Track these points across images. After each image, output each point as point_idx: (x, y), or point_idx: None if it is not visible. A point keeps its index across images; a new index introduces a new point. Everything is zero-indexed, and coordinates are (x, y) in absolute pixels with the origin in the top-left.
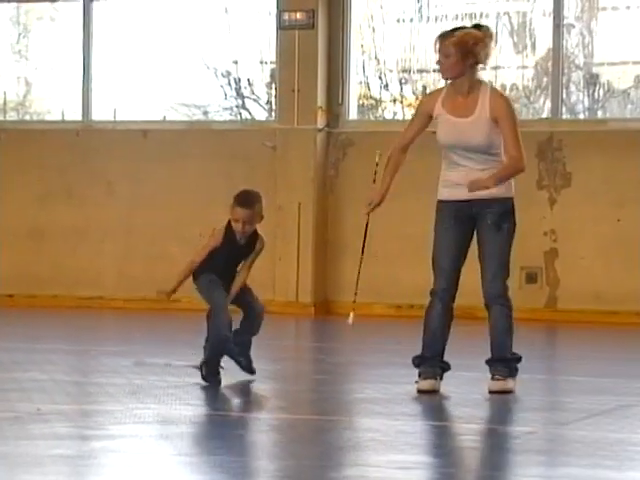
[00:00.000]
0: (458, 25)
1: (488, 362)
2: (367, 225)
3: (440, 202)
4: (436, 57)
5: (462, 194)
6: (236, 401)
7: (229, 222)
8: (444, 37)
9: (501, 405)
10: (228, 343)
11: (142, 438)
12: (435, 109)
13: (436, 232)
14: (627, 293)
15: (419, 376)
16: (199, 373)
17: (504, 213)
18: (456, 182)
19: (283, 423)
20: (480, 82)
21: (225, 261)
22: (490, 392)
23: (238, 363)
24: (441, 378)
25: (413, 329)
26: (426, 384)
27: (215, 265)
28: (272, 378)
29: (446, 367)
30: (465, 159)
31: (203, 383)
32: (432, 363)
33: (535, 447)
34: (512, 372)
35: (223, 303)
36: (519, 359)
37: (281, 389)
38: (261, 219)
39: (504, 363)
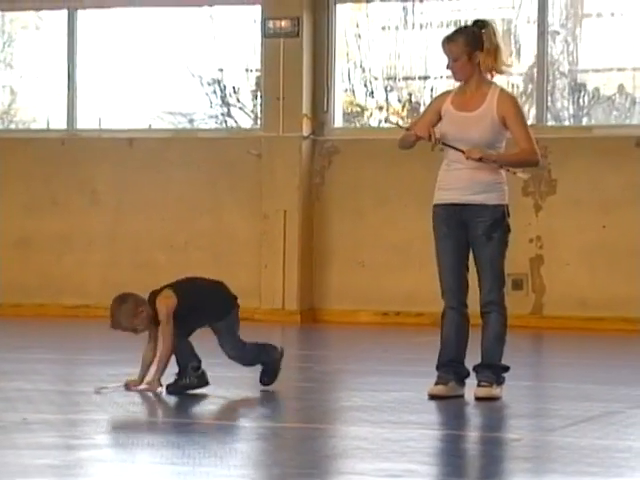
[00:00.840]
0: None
1: (476, 368)
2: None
3: (434, 206)
4: (447, 61)
5: (453, 197)
6: (222, 410)
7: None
8: (450, 40)
9: (487, 412)
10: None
11: (126, 447)
12: (444, 106)
13: (435, 241)
14: (612, 299)
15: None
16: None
17: (494, 222)
18: (448, 184)
19: (269, 431)
20: (490, 82)
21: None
22: (476, 398)
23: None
24: (460, 383)
25: (399, 336)
26: (434, 389)
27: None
28: (258, 386)
29: (462, 372)
30: (461, 155)
31: (189, 392)
32: (446, 369)
33: (521, 454)
34: (499, 379)
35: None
36: (507, 368)
37: (267, 397)
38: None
39: (492, 370)
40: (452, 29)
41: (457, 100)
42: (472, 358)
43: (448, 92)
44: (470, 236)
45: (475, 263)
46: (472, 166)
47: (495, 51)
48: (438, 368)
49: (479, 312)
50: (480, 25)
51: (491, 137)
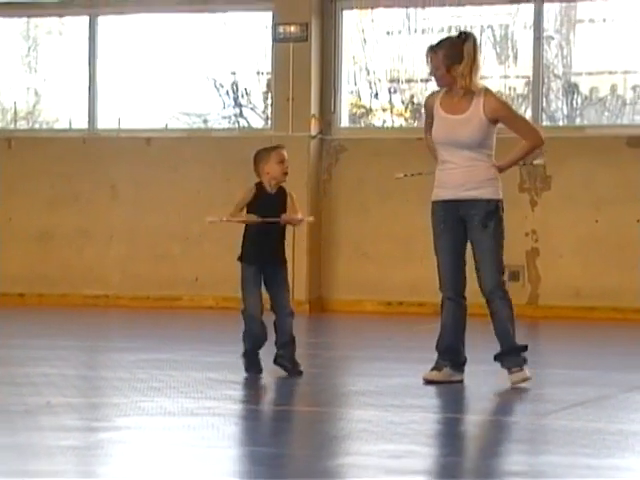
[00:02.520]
0: (444, 37)
1: (498, 356)
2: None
3: (432, 203)
4: (428, 69)
5: (448, 194)
6: (235, 394)
7: (256, 184)
8: (432, 50)
9: (485, 397)
10: (261, 341)
11: (146, 429)
12: (435, 107)
13: (433, 237)
14: (604, 290)
15: None
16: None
17: (488, 213)
18: (444, 182)
19: (280, 414)
20: (475, 85)
21: (262, 219)
22: (513, 385)
23: (284, 368)
24: (456, 369)
25: (402, 325)
26: (429, 375)
27: (255, 238)
28: (269, 371)
29: (458, 359)
30: (453, 156)
31: (204, 378)
32: (442, 356)
33: (518, 436)
34: (524, 360)
35: (255, 312)
36: (525, 347)
37: (278, 382)
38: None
39: (515, 353)
40: (453, 33)
41: (445, 102)
42: (471, 347)
43: (436, 93)
44: (468, 228)
45: (474, 255)
46: (464, 165)
47: (470, 65)
48: (437, 355)
49: (484, 302)
50: (463, 38)
51: (479, 137)
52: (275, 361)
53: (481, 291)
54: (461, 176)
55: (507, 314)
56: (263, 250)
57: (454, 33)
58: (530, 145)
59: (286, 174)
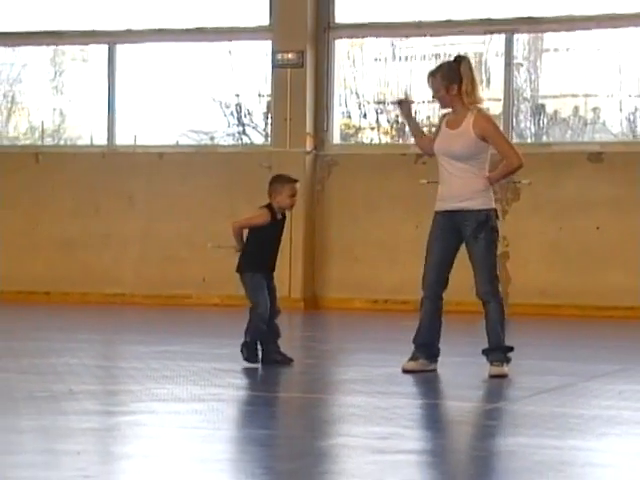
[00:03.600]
0: (436, 63)
1: (485, 351)
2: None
3: (434, 213)
4: (431, 92)
5: (446, 205)
6: (237, 382)
7: (267, 205)
8: (431, 75)
9: (461, 385)
10: (264, 334)
11: (158, 414)
12: (442, 124)
13: (428, 239)
14: (567, 289)
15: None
16: (240, 354)
17: (479, 225)
18: (442, 195)
19: (277, 400)
20: (474, 106)
21: (271, 241)
22: (490, 376)
23: (275, 361)
24: (432, 360)
25: (388, 321)
26: (406, 365)
27: (265, 254)
28: (268, 362)
29: (432, 352)
30: (449, 167)
31: (210, 367)
32: (419, 349)
33: (490, 420)
34: (507, 358)
35: (265, 313)
36: (512, 348)
37: (275, 371)
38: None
39: (500, 351)
40: (432, 61)
41: (449, 119)
42: (449, 342)
43: (448, 113)
44: (463, 237)
45: (469, 260)
46: (459, 176)
47: (471, 83)
48: (414, 347)
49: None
50: (458, 60)
51: (470, 151)
52: (269, 356)
53: (477, 293)
54: (456, 188)
55: (497, 317)
56: (270, 259)
57: (449, 58)
58: (509, 166)
59: (293, 206)
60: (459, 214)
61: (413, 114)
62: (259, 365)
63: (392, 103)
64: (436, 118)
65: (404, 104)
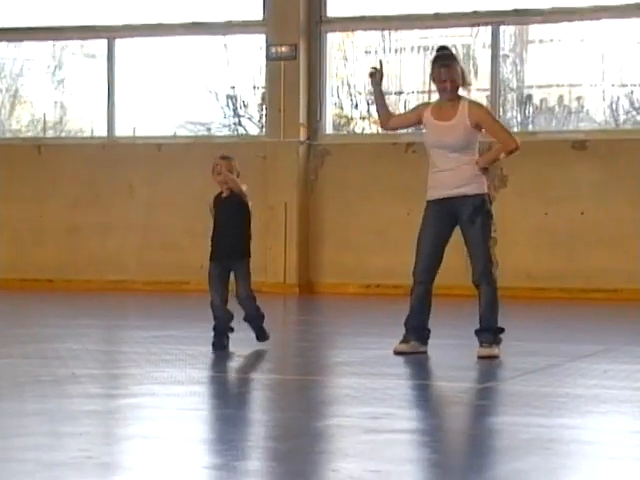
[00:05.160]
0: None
1: (476, 332)
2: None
3: (427, 202)
4: (435, 81)
5: (441, 193)
6: (234, 364)
7: (216, 194)
8: (447, 65)
9: (451, 366)
10: (219, 323)
11: (158, 396)
12: (424, 115)
13: (421, 226)
14: (553, 273)
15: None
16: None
17: (475, 209)
18: (435, 184)
19: (273, 382)
20: (460, 95)
21: (218, 222)
22: (479, 357)
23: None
24: (422, 342)
25: (380, 305)
26: (398, 347)
27: (215, 239)
28: (264, 345)
29: (423, 334)
30: (442, 158)
31: (207, 351)
32: (410, 332)
33: (479, 399)
34: (496, 339)
35: (218, 303)
36: (502, 330)
37: (272, 354)
38: (238, 175)
39: (490, 332)
40: (421, 53)
41: (435, 111)
42: (439, 325)
43: (428, 104)
44: (459, 222)
45: (465, 244)
46: (452, 167)
47: (462, 71)
48: (405, 330)
49: (473, 284)
50: (450, 49)
51: (464, 141)
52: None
53: (472, 276)
54: (450, 177)
55: (490, 298)
56: (220, 245)
57: (421, 55)
58: (505, 148)
59: (224, 183)
60: (455, 200)
61: (383, 86)
62: (222, 351)
63: (368, 74)
64: None
65: (377, 73)
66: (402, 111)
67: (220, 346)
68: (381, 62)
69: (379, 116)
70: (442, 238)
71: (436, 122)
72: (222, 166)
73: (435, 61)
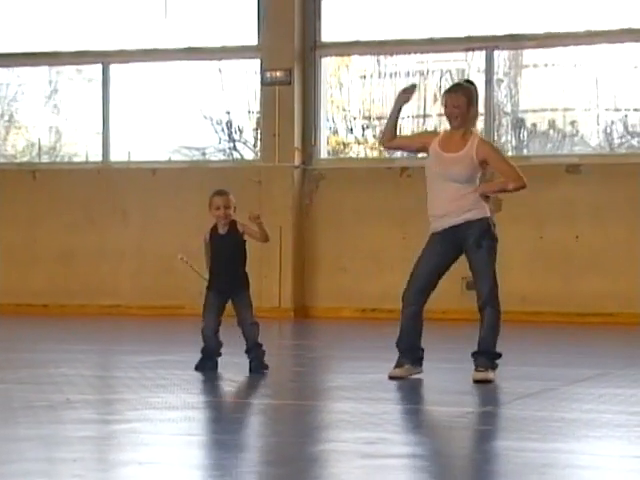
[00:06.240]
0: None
1: (473, 354)
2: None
3: (431, 234)
4: (443, 108)
5: (446, 223)
6: (229, 389)
7: (211, 228)
8: (455, 93)
9: (445, 390)
10: (207, 350)
11: (153, 421)
12: (431, 145)
13: (421, 254)
14: (548, 297)
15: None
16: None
17: (482, 232)
18: (437, 214)
19: (268, 407)
20: (472, 131)
21: (217, 257)
22: (474, 381)
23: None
24: (417, 364)
25: (375, 329)
26: (393, 372)
27: (214, 271)
28: (256, 369)
29: (417, 356)
30: (443, 187)
31: (202, 376)
32: (404, 355)
33: (474, 424)
34: (493, 365)
35: (210, 331)
36: (499, 355)
37: (267, 379)
38: (234, 209)
39: (486, 356)
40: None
41: (443, 142)
42: (435, 348)
43: (436, 133)
44: (464, 247)
45: (470, 269)
46: (453, 197)
47: (477, 108)
48: (397, 349)
49: (477, 308)
50: (472, 84)
51: (468, 174)
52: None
53: (477, 300)
54: (453, 206)
55: (493, 322)
56: (220, 278)
57: (462, 80)
58: (511, 184)
59: (226, 217)
60: (460, 227)
61: (403, 106)
62: (203, 372)
63: (404, 90)
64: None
65: (408, 90)
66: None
67: (202, 368)
68: (414, 86)
69: (385, 132)
70: (440, 270)
71: (443, 153)
72: (228, 208)
73: (447, 89)
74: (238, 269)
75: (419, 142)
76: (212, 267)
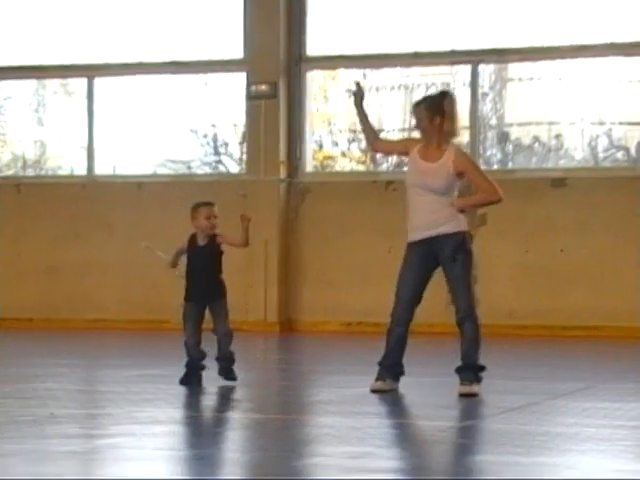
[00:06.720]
0: (399, 98)
1: (457, 369)
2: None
3: (407, 244)
4: (412, 121)
5: (422, 234)
6: (214, 404)
7: (190, 236)
8: (416, 105)
9: (430, 405)
10: (191, 361)
11: (137, 436)
12: (412, 151)
13: (401, 267)
14: (534, 310)
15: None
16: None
17: (457, 246)
18: (414, 225)
19: (253, 422)
20: (448, 141)
21: (194, 267)
22: (460, 395)
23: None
24: (396, 380)
25: (361, 342)
26: (375, 385)
27: (191, 281)
28: (244, 384)
29: (398, 372)
30: (420, 198)
31: (186, 390)
32: (386, 369)
33: (458, 438)
34: (477, 378)
35: (192, 343)
36: (483, 368)
37: (252, 393)
38: (216, 219)
39: (471, 370)
40: (401, 91)
41: (422, 151)
42: (420, 363)
43: (417, 140)
44: (440, 260)
45: (447, 282)
46: (430, 208)
47: (451, 118)
48: (380, 366)
49: (456, 322)
50: (443, 94)
51: (444, 185)
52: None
53: (455, 314)
54: (430, 218)
55: (472, 335)
56: (198, 288)
57: (402, 94)
58: (487, 198)
59: (214, 227)
60: (436, 239)
61: (364, 105)
62: (188, 386)
63: (354, 93)
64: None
65: (357, 94)
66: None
67: (187, 382)
68: (358, 83)
69: (366, 137)
70: (422, 281)
71: (421, 161)
72: (216, 217)
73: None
74: (214, 278)
75: (403, 146)
76: (188, 277)
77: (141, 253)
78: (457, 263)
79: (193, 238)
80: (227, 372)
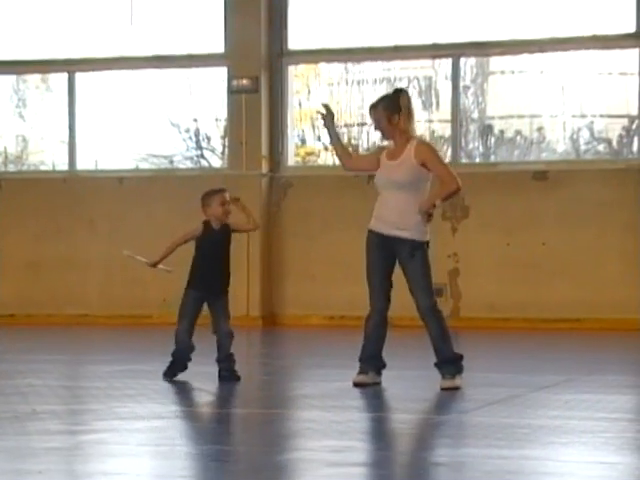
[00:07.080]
0: (381, 92)
1: (436, 365)
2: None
3: (369, 231)
4: (373, 124)
5: (383, 229)
6: (197, 399)
7: (204, 222)
8: (373, 107)
9: (413, 398)
10: (179, 352)
11: (120, 432)
12: (382, 156)
13: (367, 259)
14: (516, 303)
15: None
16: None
17: (414, 246)
18: (380, 216)
19: (236, 416)
20: (412, 136)
21: (205, 255)
22: (442, 389)
23: (221, 377)
24: (378, 373)
25: (343, 336)
26: (357, 378)
27: (200, 268)
28: (227, 379)
29: (381, 365)
30: (390, 196)
31: (170, 385)
32: (367, 362)
33: (441, 431)
34: (458, 369)
35: (184, 334)
36: (461, 357)
37: (234, 388)
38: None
39: (449, 364)
40: (383, 85)
41: (388, 152)
42: (403, 355)
43: (385, 147)
44: (398, 259)
45: (406, 280)
46: (398, 206)
47: (407, 115)
48: (361, 360)
49: (420, 318)
50: (398, 92)
51: (411, 178)
52: (218, 373)
53: (417, 310)
54: (393, 215)
55: (438, 331)
56: (208, 277)
57: (384, 87)
58: (447, 189)
59: (228, 214)
60: (395, 240)
61: (335, 126)
62: (170, 379)
63: (323, 116)
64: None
65: (327, 116)
66: (364, 144)
67: (172, 375)
68: (327, 105)
69: (339, 157)
70: (388, 268)
71: (387, 162)
72: (231, 200)
73: None
74: (224, 270)
75: (374, 159)
76: (198, 264)
77: (123, 248)
78: (415, 259)
79: (207, 224)
80: (231, 372)
